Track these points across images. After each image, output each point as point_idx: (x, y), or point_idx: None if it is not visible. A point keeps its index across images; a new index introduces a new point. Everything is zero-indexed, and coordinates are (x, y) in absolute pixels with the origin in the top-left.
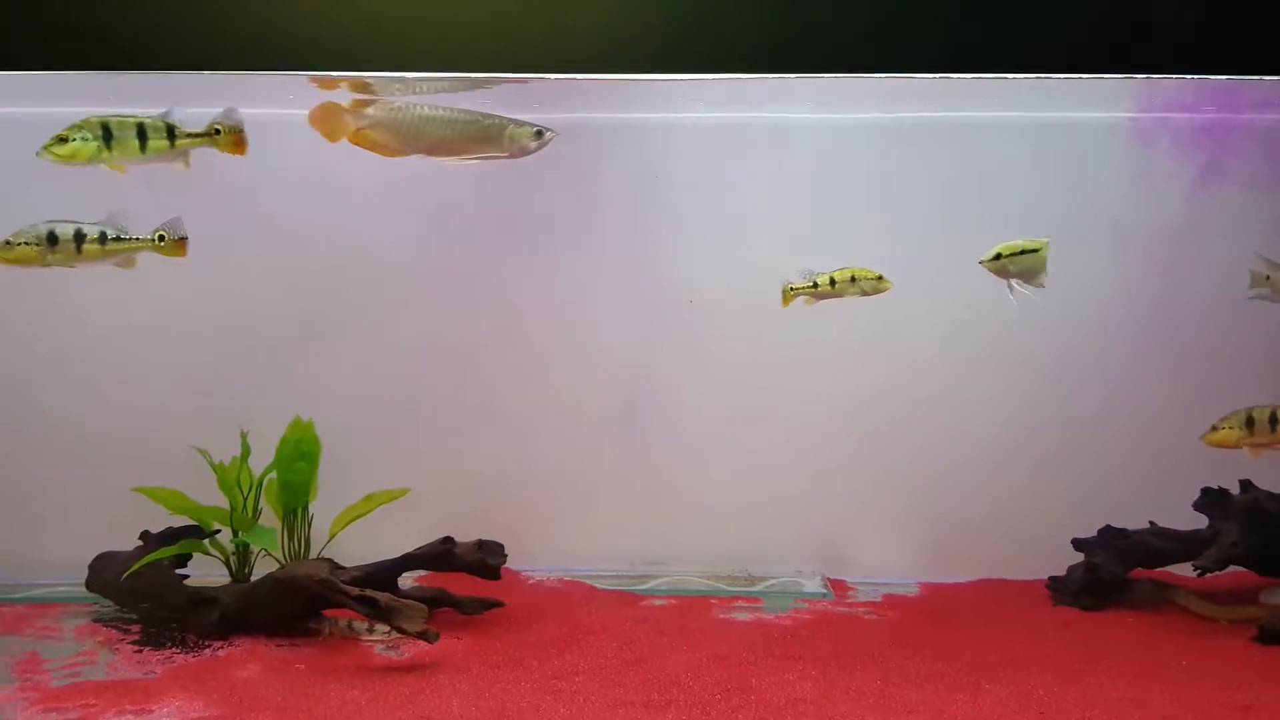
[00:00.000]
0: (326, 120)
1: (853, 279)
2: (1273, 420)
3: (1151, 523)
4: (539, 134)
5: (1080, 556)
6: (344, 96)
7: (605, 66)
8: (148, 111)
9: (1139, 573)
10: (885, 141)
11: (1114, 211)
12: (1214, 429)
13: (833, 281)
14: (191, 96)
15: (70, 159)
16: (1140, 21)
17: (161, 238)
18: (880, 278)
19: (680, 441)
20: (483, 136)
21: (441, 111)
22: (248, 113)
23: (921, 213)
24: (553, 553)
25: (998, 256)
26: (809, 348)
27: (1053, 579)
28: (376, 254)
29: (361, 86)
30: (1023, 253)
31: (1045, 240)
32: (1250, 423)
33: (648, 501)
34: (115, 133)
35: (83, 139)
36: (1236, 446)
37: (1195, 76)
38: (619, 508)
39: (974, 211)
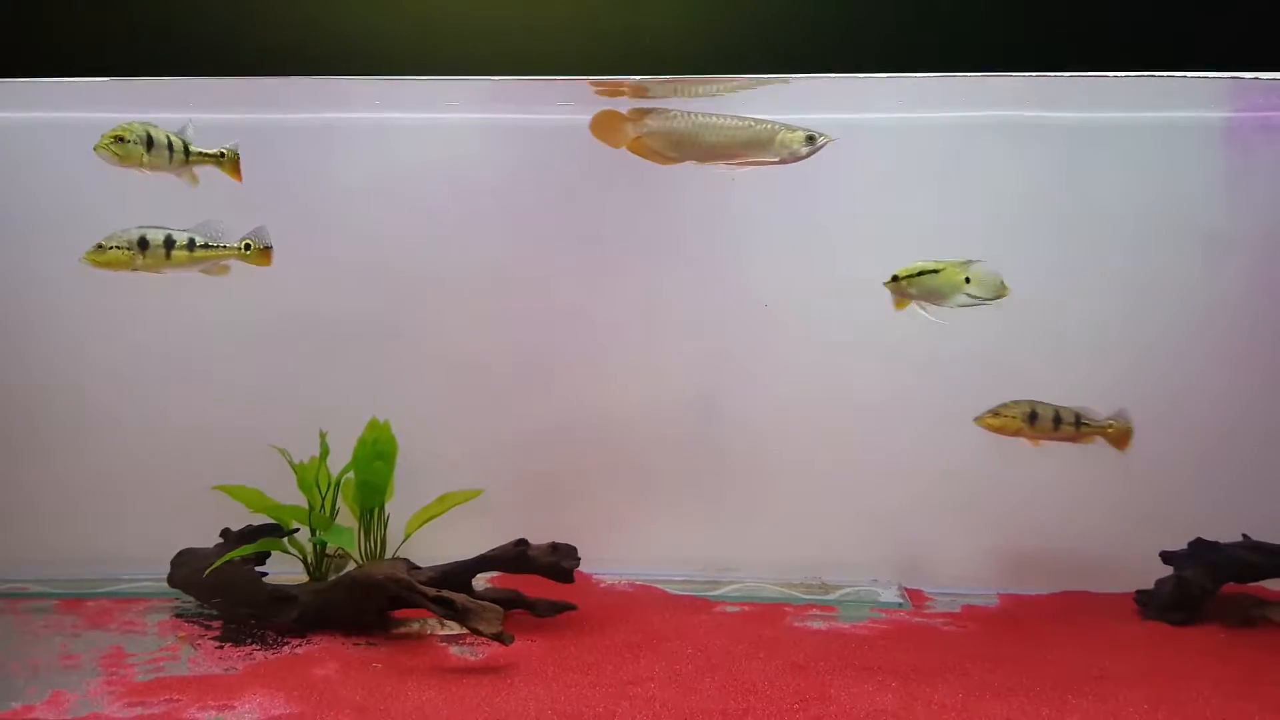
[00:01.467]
0: (607, 128)
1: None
2: (1055, 419)
3: (1245, 536)
4: (811, 139)
5: (1169, 570)
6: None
7: (679, 68)
8: (167, 124)
9: (1231, 588)
10: (967, 142)
11: (1210, 218)
12: (995, 414)
13: None
14: (272, 101)
15: (123, 159)
16: (1235, 13)
17: (248, 246)
18: (1001, 284)
19: (753, 446)
20: (754, 142)
21: (715, 118)
22: (328, 117)
23: (1002, 217)
24: (623, 556)
25: (895, 279)
26: (887, 353)
27: (1141, 593)
28: (451, 257)
29: (641, 92)
30: (922, 274)
31: (953, 262)
32: (1033, 417)
33: (720, 507)
34: (154, 140)
35: (134, 141)
36: (1014, 435)
37: None
38: (690, 512)
39: (1056, 217)
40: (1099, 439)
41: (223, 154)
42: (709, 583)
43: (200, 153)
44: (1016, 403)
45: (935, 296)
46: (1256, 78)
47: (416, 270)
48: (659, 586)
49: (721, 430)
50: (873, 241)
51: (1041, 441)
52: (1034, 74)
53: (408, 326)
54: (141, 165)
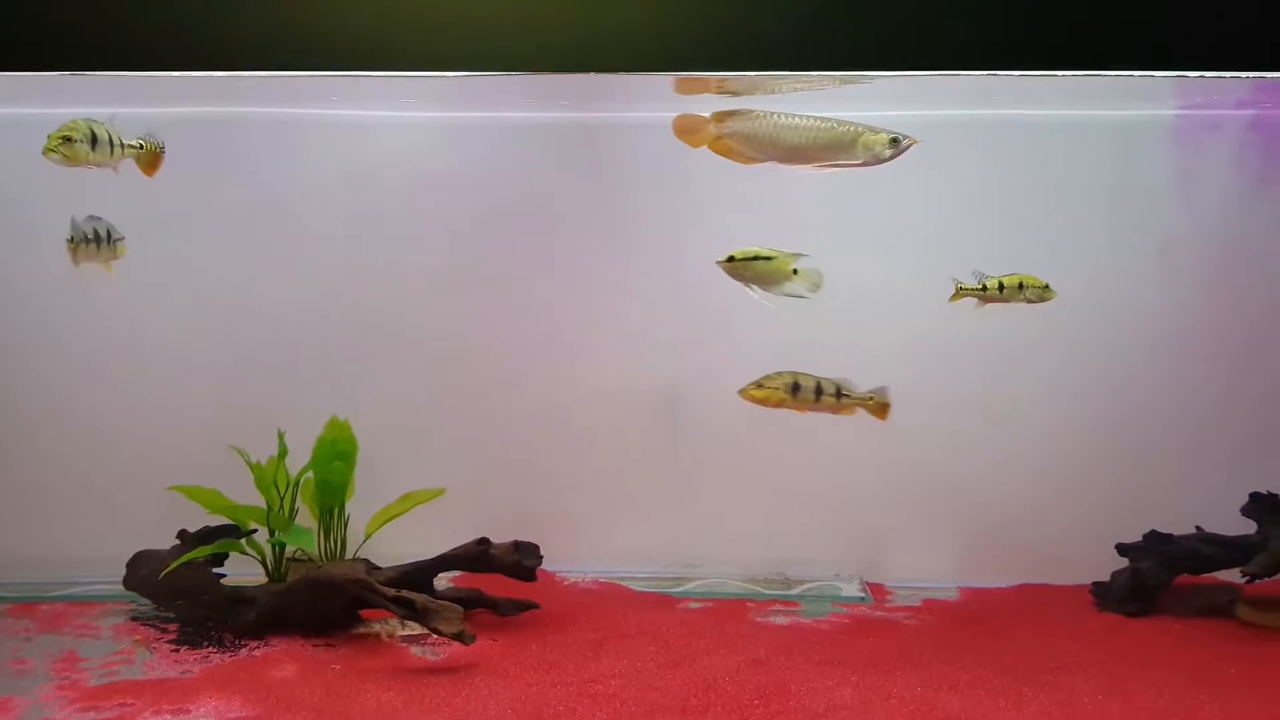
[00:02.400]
0: (690, 128)
1: (1021, 285)
2: (817, 391)
3: (1198, 528)
4: (894, 141)
5: (1125, 562)
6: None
7: (637, 65)
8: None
9: (1185, 579)
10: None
11: (1163, 216)
12: (758, 385)
13: (1001, 286)
14: (233, 96)
15: (71, 160)
16: (1190, 13)
17: (141, 145)
18: (1046, 286)
19: (716, 443)
20: (836, 144)
21: (797, 119)
22: (291, 112)
23: (948, 213)
24: (588, 554)
25: (731, 259)
26: (847, 348)
27: (1097, 584)
28: (412, 254)
29: (724, 88)
30: (755, 259)
31: (785, 252)
32: (795, 388)
33: (683, 504)
34: (98, 136)
35: (80, 139)
36: (777, 406)
37: (1249, 75)
38: (655, 510)
39: (1005, 217)
40: (860, 410)
41: (141, 145)
42: (673, 580)
43: (126, 144)
44: (779, 374)
45: (765, 282)
46: (1202, 76)
47: (376, 268)
48: (623, 584)
49: (685, 428)
50: (834, 238)
51: (807, 411)
52: (995, 72)
53: (368, 324)
54: (88, 163)
